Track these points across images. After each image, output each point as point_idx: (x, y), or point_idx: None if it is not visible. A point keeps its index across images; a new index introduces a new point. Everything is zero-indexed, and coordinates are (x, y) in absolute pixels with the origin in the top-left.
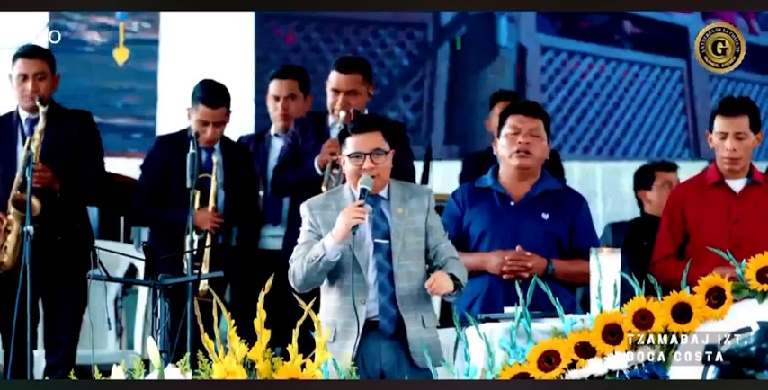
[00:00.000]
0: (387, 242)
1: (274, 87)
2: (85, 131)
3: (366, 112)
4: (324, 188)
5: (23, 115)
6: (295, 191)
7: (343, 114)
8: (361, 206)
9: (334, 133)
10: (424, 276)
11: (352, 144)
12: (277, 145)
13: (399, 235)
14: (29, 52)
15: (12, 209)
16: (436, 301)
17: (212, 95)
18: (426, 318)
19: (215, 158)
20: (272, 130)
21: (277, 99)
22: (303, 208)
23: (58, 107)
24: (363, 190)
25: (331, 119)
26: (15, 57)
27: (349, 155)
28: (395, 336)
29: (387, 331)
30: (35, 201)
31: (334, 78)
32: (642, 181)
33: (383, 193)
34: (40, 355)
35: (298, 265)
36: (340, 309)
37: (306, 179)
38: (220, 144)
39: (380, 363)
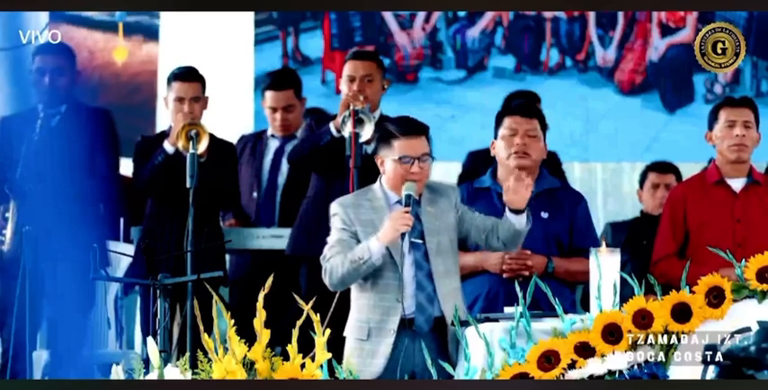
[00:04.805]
0: (422, 241)
1: (270, 99)
2: (100, 129)
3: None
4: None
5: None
6: (308, 159)
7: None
8: (407, 213)
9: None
10: (457, 274)
11: (401, 147)
12: (273, 145)
13: (434, 234)
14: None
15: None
16: None
17: (185, 70)
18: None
19: None
20: (270, 131)
21: (274, 110)
22: (335, 207)
23: (79, 105)
24: (409, 197)
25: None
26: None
27: (400, 159)
28: (429, 335)
29: (422, 329)
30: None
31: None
32: (640, 180)
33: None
34: (39, 355)
35: (336, 264)
36: (374, 307)
37: (318, 141)
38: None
39: (413, 364)
